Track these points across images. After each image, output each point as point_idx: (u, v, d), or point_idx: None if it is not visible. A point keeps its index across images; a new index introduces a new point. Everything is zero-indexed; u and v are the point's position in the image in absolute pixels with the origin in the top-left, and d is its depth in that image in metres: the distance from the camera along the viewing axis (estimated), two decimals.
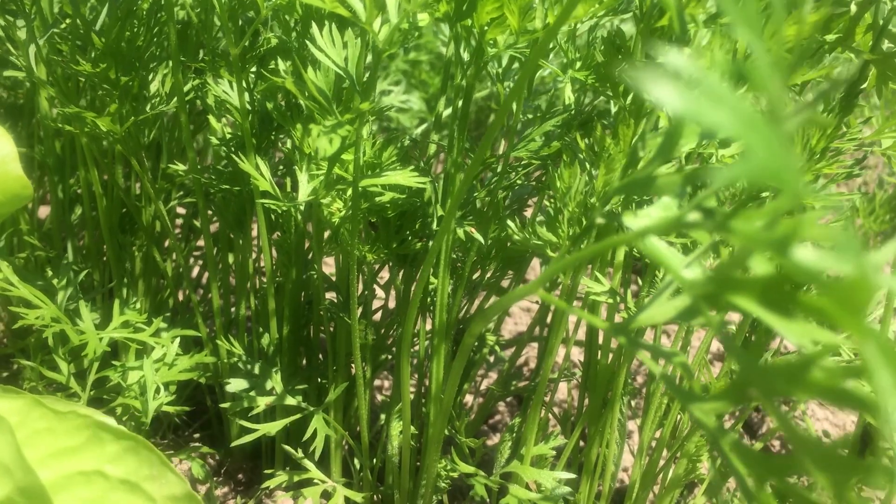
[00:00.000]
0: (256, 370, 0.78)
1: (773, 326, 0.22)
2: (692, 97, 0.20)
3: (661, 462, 0.79)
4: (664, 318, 0.31)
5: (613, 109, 0.78)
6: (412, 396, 0.83)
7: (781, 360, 0.23)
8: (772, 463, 0.24)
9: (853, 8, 0.61)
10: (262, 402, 0.74)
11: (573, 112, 0.74)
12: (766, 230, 0.22)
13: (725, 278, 0.24)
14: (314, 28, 0.59)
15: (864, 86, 0.66)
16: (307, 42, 0.71)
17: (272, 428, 0.74)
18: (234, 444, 0.77)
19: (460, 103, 0.72)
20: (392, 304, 0.92)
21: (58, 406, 0.57)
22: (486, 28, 0.61)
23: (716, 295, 0.24)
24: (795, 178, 0.20)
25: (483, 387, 1.14)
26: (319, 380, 0.85)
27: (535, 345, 1.20)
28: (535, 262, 1.43)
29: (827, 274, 0.20)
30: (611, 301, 0.65)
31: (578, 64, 0.73)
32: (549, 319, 0.98)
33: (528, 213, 0.91)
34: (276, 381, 0.77)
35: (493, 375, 1.17)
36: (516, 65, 0.76)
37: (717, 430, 0.27)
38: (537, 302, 0.93)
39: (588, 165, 0.62)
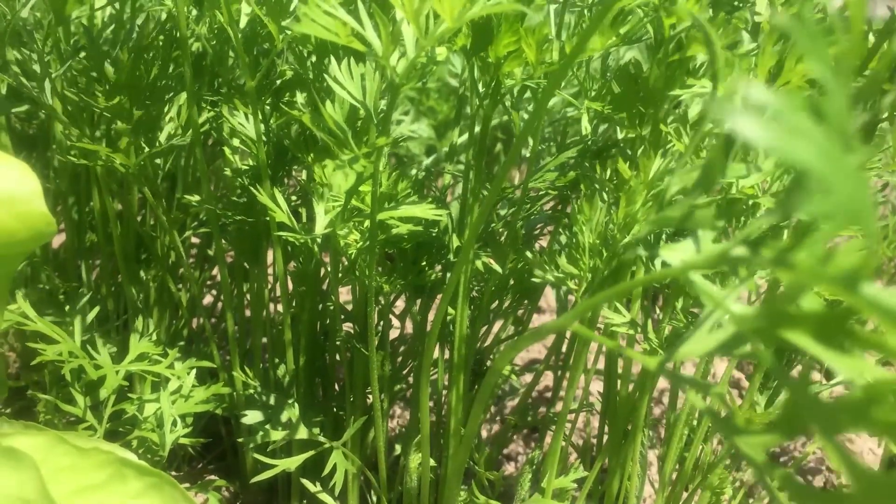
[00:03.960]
0: (272, 402, 0.78)
1: (828, 362, 0.22)
2: (779, 133, 0.19)
3: (684, 495, 0.78)
4: (705, 351, 0.30)
5: (624, 137, 0.78)
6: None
7: (842, 397, 0.22)
8: (828, 498, 0.24)
9: (871, 38, 0.61)
10: (279, 436, 0.74)
11: (589, 142, 0.75)
12: (821, 265, 0.22)
13: (779, 313, 0.23)
14: (333, 61, 0.59)
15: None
16: (323, 74, 0.71)
17: (291, 464, 0.73)
18: (253, 480, 0.77)
19: (476, 134, 0.72)
20: (408, 334, 0.92)
21: (80, 442, 0.57)
22: (503, 60, 0.61)
23: (768, 330, 0.24)
24: (873, 219, 0.20)
25: (497, 415, 1.13)
26: (335, 410, 0.84)
27: (548, 372, 1.19)
28: (547, 289, 1.43)
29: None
30: (631, 332, 0.65)
31: (593, 93, 0.73)
32: (563, 348, 0.98)
33: (543, 241, 0.90)
34: (293, 414, 0.76)
35: (507, 403, 1.16)
36: (528, 93, 0.76)
37: (765, 465, 0.26)
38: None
39: (607, 196, 0.62)
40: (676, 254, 0.31)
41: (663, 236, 0.59)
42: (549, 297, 1.49)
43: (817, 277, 0.22)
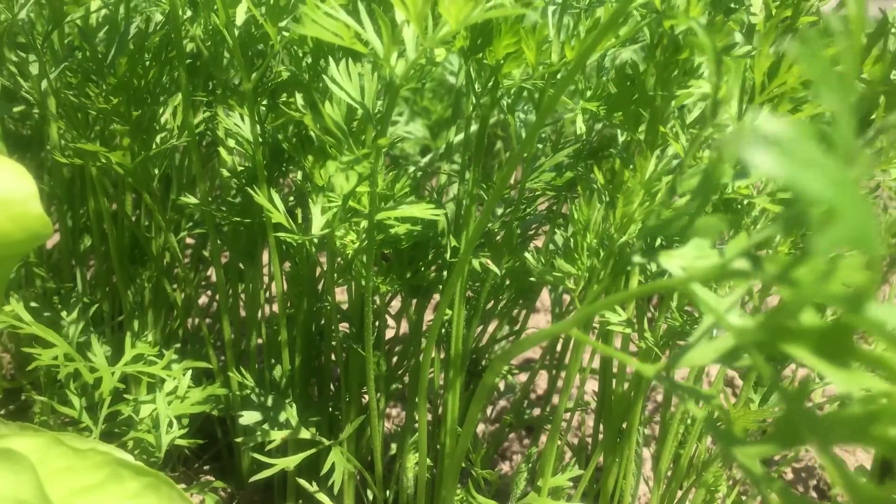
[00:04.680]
0: (269, 402, 0.78)
1: (828, 375, 0.23)
2: (792, 164, 0.20)
3: (679, 493, 0.79)
4: (705, 362, 0.31)
5: (621, 138, 0.78)
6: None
7: (839, 411, 0.23)
8: None
9: (864, 39, 0.62)
10: (278, 437, 0.74)
11: (585, 142, 0.75)
12: (821, 281, 0.22)
13: (779, 327, 0.24)
14: (331, 62, 0.59)
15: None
16: (320, 75, 0.71)
17: (290, 463, 0.73)
18: (251, 479, 0.77)
19: (472, 134, 0.72)
20: (404, 334, 0.92)
21: (77, 444, 0.57)
22: (502, 62, 0.61)
23: (768, 343, 0.25)
24: (878, 246, 0.20)
25: (492, 413, 1.14)
26: (331, 409, 0.84)
27: (543, 371, 1.20)
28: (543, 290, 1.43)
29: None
30: (628, 331, 0.66)
31: (589, 93, 0.73)
32: (558, 347, 0.98)
33: (538, 241, 0.91)
34: (290, 414, 0.76)
35: (502, 402, 1.16)
36: (525, 94, 0.77)
37: (763, 476, 0.27)
38: None
39: (604, 197, 0.63)
40: (675, 261, 0.31)
41: (659, 241, 0.60)
42: (543, 297, 1.50)
43: (821, 295, 0.22)
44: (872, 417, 0.21)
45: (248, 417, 0.76)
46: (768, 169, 0.19)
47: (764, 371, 0.25)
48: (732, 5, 0.62)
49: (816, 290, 0.22)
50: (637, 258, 0.32)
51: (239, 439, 0.81)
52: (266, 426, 0.76)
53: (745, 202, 0.66)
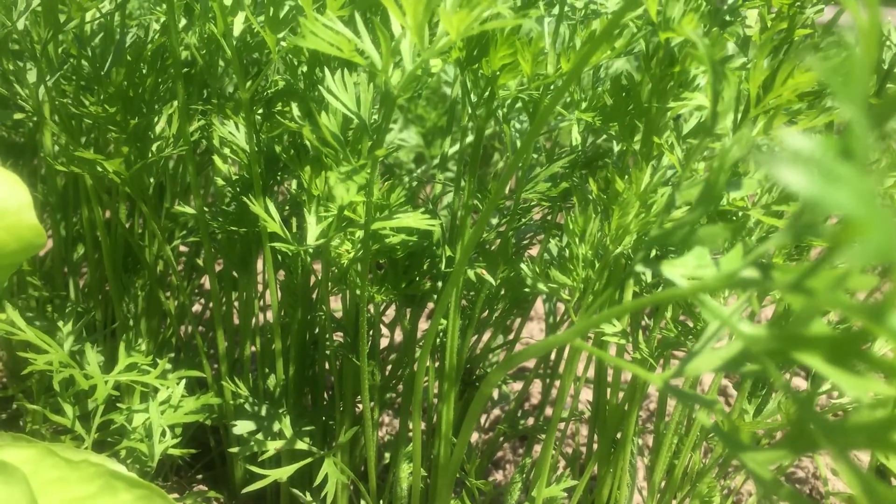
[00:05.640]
0: (263, 412, 0.78)
1: (838, 382, 0.23)
2: (820, 181, 0.20)
3: (673, 503, 0.79)
4: (710, 369, 0.31)
5: (616, 148, 0.79)
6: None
7: (853, 417, 0.23)
8: None
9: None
10: (272, 447, 0.74)
11: (580, 152, 0.75)
12: (831, 289, 0.23)
13: (792, 336, 0.24)
14: (327, 72, 0.59)
15: None
16: (315, 84, 0.71)
17: (283, 474, 0.73)
18: (244, 490, 0.76)
19: (468, 144, 0.72)
20: (397, 343, 0.92)
21: (70, 455, 0.56)
22: (498, 73, 0.61)
23: (781, 351, 0.25)
24: None
25: (486, 422, 1.14)
26: (324, 419, 0.84)
27: (537, 380, 1.20)
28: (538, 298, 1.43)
29: None
30: (623, 342, 0.66)
31: (585, 104, 0.73)
32: (552, 356, 0.98)
33: (533, 250, 0.91)
34: (285, 425, 0.76)
35: (496, 411, 1.16)
36: (520, 104, 0.77)
37: (772, 482, 0.27)
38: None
39: (599, 207, 0.63)
40: (677, 270, 0.31)
41: (654, 252, 0.60)
42: (537, 305, 1.50)
43: (840, 305, 0.22)
44: (890, 423, 0.21)
45: (242, 427, 0.76)
46: (799, 187, 0.19)
47: (776, 378, 0.25)
48: (728, 17, 0.62)
49: (831, 299, 0.22)
50: (639, 267, 0.32)
51: (233, 449, 0.80)
52: (260, 436, 0.75)
53: (740, 213, 0.67)
